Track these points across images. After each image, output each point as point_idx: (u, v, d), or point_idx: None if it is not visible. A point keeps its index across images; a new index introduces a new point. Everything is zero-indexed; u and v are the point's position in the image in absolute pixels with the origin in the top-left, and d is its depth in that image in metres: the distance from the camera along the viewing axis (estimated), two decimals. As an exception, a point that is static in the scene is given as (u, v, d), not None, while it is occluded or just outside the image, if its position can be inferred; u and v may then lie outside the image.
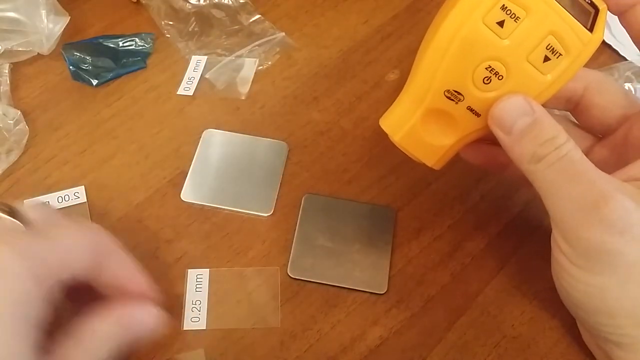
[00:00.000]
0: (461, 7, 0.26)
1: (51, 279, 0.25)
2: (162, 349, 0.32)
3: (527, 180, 0.28)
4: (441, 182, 0.38)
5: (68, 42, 0.45)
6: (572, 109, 0.33)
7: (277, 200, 0.38)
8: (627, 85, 0.42)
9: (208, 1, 0.46)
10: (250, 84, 0.43)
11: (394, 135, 0.30)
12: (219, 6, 0.46)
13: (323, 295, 0.34)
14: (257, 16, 0.46)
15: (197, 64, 0.44)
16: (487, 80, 0.27)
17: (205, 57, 0.45)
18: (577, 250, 0.27)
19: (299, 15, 0.47)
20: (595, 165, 0.27)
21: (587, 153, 0.32)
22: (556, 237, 0.28)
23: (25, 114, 0.40)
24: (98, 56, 0.44)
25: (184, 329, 0.33)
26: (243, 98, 0.43)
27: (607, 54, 0.45)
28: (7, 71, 0.43)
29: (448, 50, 0.27)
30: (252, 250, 0.36)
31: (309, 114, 0.42)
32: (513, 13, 0.26)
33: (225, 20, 0.46)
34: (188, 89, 0.43)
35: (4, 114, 0.40)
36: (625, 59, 0.44)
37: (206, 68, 0.44)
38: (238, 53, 0.45)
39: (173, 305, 0.34)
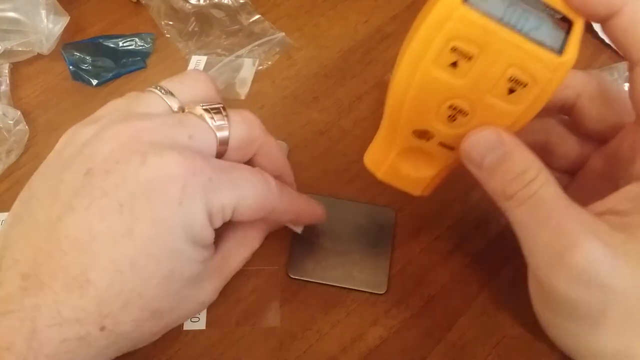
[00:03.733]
0: (411, 53, 0.25)
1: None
2: (162, 349, 0.32)
3: None
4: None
5: (68, 42, 0.45)
6: (567, 115, 0.32)
7: (277, 200, 0.38)
8: (627, 86, 0.42)
9: (208, 1, 0.46)
10: (250, 84, 0.43)
11: (376, 172, 0.31)
12: (219, 6, 0.46)
13: (323, 295, 0.34)
14: (257, 16, 0.46)
15: (197, 64, 0.44)
16: (453, 118, 0.26)
17: (205, 57, 0.45)
18: (546, 295, 0.27)
19: (299, 15, 0.47)
20: (591, 176, 0.26)
21: (584, 162, 0.31)
22: (530, 276, 0.28)
23: (25, 114, 0.40)
24: (98, 56, 0.44)
25: (184, 329, 0.33)
26: (243, 98, 0.43)
27: (607, 54, 0.45)
28: (7, 71, 0.43)
29: (406, 96, 0.26)
30: (252, 250, 0.36)
31: (309, 114, 0.42)
32: (465, 53, 0.24)
33: (225, 20, 0.46)
34: (188, 89, 0.43)
35: (4, 114, 0.40)
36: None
37: (206, 68, 0.44)
38: (238, 53, 0.45)
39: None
